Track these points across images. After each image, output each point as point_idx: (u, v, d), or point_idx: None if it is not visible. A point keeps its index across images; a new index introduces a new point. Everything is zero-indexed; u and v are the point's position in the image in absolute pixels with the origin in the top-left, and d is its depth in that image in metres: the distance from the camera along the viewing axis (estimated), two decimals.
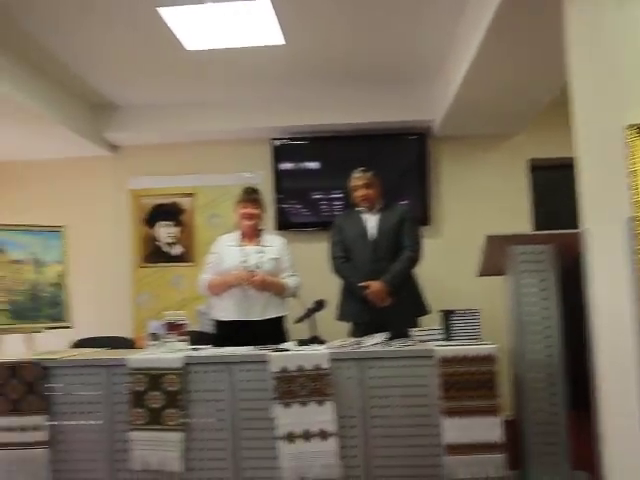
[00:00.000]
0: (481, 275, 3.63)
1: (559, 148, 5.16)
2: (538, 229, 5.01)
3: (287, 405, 3.18)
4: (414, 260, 3.94)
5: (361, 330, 3.70)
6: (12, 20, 3.55)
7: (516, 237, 3.38)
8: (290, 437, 3.17)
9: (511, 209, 5.17)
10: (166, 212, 5.44)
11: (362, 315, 3.89)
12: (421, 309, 3.95)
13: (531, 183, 5.31)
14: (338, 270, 4.00)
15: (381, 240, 3.94)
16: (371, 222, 4.00)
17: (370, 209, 4.03)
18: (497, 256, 3.40)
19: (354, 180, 4.03)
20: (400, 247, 3.93)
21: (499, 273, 3.50)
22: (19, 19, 3.55)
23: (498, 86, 4.07)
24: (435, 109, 4.95)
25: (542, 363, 3.21)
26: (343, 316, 4.03)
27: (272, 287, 3.75)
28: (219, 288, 3.79)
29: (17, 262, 4.54)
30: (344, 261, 3.98)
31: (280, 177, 5.31)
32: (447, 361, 3.13)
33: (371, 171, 4.04)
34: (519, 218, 5.16)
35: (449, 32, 3.92)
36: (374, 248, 3.93)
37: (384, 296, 3.81)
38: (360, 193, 4.00)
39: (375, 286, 3.80)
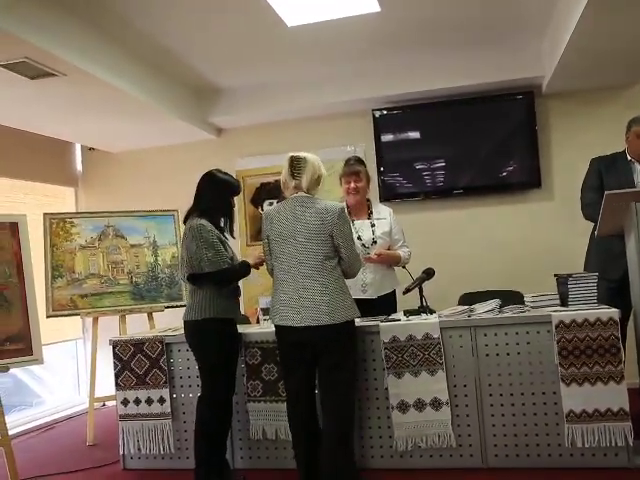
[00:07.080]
0: (601, 236, 3.41)
1: None
2: None
3: (399, 375, 3.17)
4: None
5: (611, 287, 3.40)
6: (114, 9, 3.69)
7: (638, 194, 3.15)
8: (403, 406, 3.16)
9: None
10: (271, 191, 5.53)
11: (615, 265, 3.47)
12: None
13: None
14: (592, 215, 3.55)
15: None
16: None
17: None
18: (618, 215, 3.19)
19: None
20: None
21: (621, 233, 3.28)
22: (120, 8, 3.68)
23: (613, 33, 3.75)
24: (544, 65, 4.68)
25: None
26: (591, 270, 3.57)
27: (389, 260, 3.69)
28: None
29: (136, 246, 4.82)
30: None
31: (382, 148, 5.24)
32: (565, 327, 2.99)
33: None
34: None
35: None
36: None
37: None
38: None
39: None
